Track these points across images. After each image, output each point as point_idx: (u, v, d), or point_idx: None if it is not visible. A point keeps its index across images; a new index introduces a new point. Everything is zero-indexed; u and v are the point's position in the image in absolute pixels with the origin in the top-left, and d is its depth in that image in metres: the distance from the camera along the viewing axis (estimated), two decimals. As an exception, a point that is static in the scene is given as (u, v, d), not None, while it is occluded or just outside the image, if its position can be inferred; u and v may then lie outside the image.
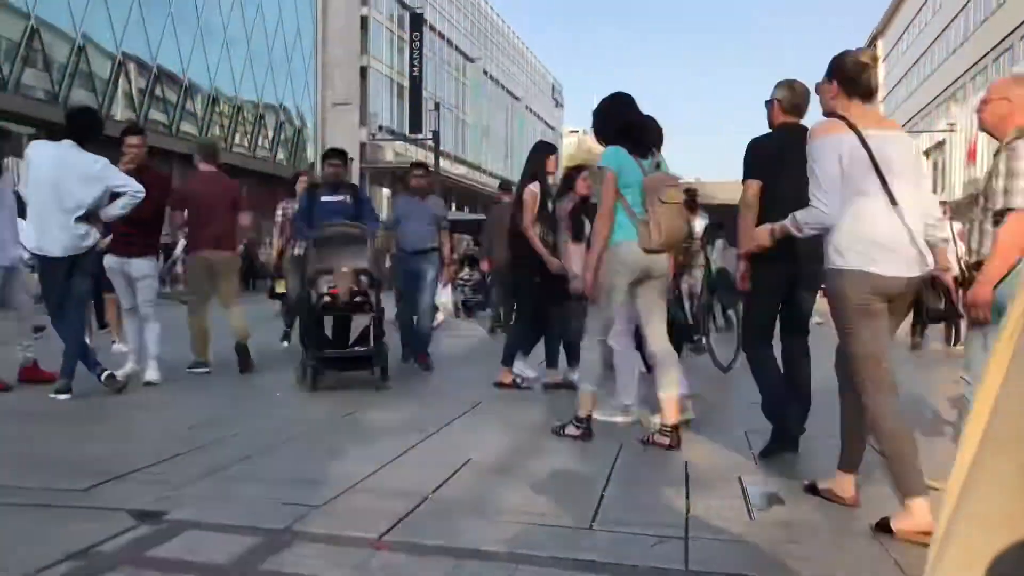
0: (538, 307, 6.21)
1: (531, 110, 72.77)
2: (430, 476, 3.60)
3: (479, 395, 5.85)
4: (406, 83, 47.35)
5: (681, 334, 5.61)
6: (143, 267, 6.28)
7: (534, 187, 6.05)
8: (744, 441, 4.50)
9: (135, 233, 6.19)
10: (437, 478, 3.57)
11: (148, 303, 6.31)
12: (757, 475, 3.82)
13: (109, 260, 6.28)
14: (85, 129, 5.72)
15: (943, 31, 45.53)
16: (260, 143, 33.99)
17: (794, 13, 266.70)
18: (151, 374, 6.17)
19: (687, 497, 3.41)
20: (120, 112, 25.11)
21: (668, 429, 4.27)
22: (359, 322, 6.51)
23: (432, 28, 51.13)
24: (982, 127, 3.52)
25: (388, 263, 8.59)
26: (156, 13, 26.43)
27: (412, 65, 46.97)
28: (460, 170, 54.10)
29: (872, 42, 68.74)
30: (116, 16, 24.45)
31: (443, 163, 38.76)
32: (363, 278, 6.11)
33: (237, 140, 32.26)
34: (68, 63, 22.82)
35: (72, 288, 5.63)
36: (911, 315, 3.48)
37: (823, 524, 3.14)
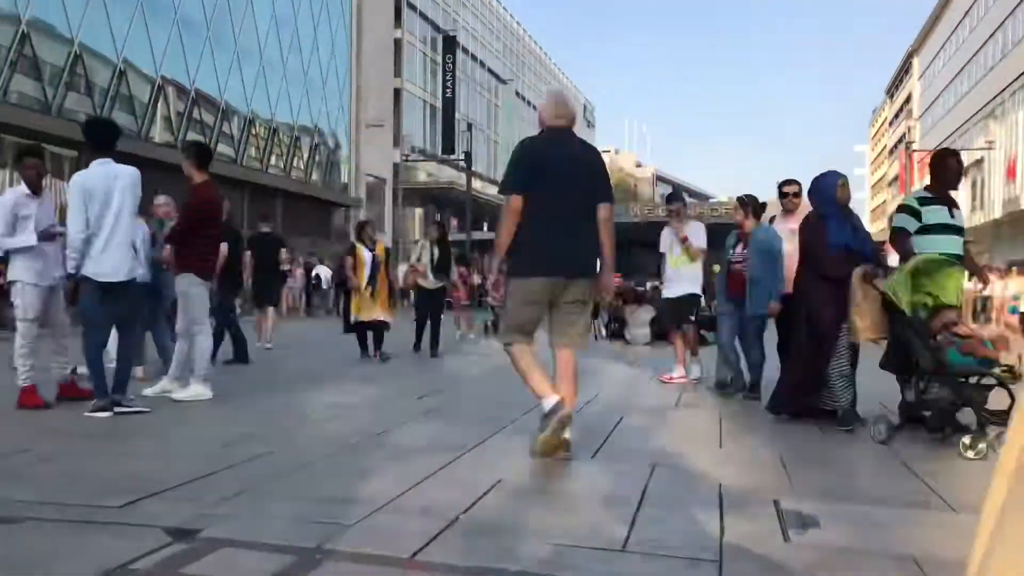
0: None
1: (563, 130, 72.87)
2: (461, 496, 3.58)
3: (510, 414, 5.83)
4: (439, 104, 47.80)
5: None
6: (177, 283, 6.52)
7: None
8: (779, 463, 4.44)
9: (177, 250, 6.51)
10: (469, 498, 3.56)
11: (188, 320, 6.48)
12: (793, 497, 3.76)
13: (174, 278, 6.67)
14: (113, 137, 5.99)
15: (980, 48, 45.02)
16: (295, 164, 34.41)
17: (829, 32, 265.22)
18: (185, 391, 6.29)
19: (721, 520, 3.37)
20: (159, 135, 25.61)
21: None
22: None
23: (465, 50, 51.61)
24: None
25: None
26: (195, 37, 26.97)
27: (445, 87, 47.44)
28: (492, 190, 54.33)
29: (908, 59, 68.24)
30: (156, 41, 24.99)
31: (475, 183, 39.00)
32: None
33: (273, 161, 32.69)
34: (109, 87, 23.33)
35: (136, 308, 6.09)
36: None
37: (861, 548, 3.07)
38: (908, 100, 69.24)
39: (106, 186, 5.66)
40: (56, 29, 21.40)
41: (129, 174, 5.81)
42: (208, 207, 6.58)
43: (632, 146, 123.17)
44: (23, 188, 6.00)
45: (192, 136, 26.89)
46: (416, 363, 10.05)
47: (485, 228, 46.76)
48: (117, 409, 5.55)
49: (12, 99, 20.07)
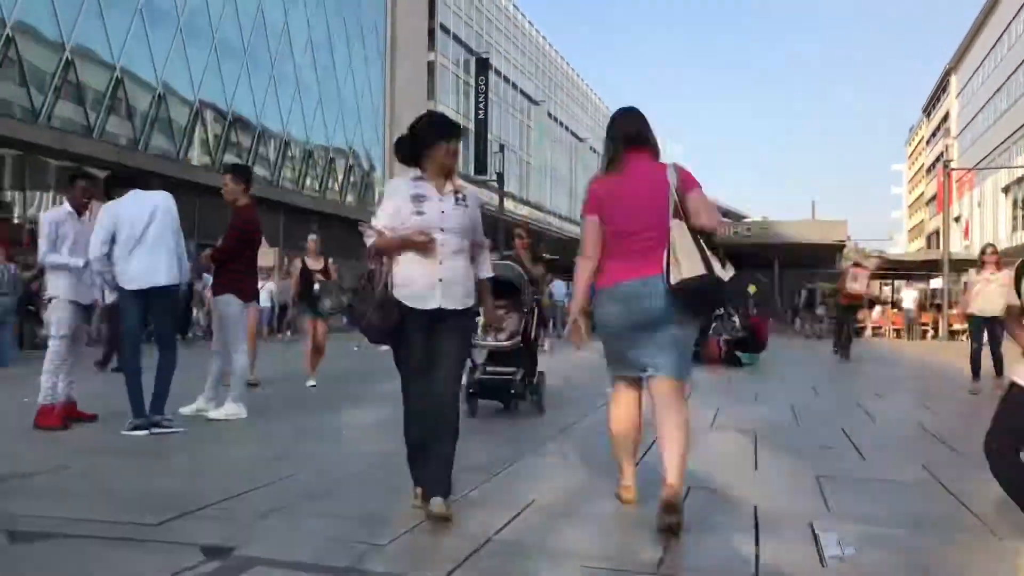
0: None
1: (595, 151, 73.00)
2: (494, 517, 3.57)
3: (543, 435, 5.81)
4: (471, 126, 48.08)
5: None
6: (215, 304, 6.62)
7: None
8: (815, 485, 4.37)
9: (217, 271, 6.60)
10: (501, 519, 3.55)
11: (224, 340, 6.55)
12: (829, 521, 3.70)
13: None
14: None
15: (1020, 65, 44.41)
16: (330, 185, 34.78)
17: (868, 52, 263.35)
18: (220, 411, 6.35)
19: (756, 543, 3.32)
20: (197, 157, 26.04)
21: None
22: None
23: (497, 72, 51.94)
24: None
25: None
26: (232, 62, 27.47)
27: (477, 108, 47.77)
28: (524, 211, 54.44)
29: (946, 77, 67.49)
30: (195, 65, 25.47)
31: (508, 204, 39.18)
32: None
33: (308, 183, 33.08)
34: (149, 111, 23.80)
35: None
36: None
37: (898, 573, 3.02)
38: (946, 118, 68.43)
39: (139, 206, 5.78)
40: (98, 55, 21.90)
41: (163, 200, 5.93)
42: (251, 228, 6.69)
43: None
44: (67, 207, 6.14)
45: (229, 158, 27.34)
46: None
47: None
48: (154, 429, 5.61)
49: (56, 124, 20.54)
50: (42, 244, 6.01)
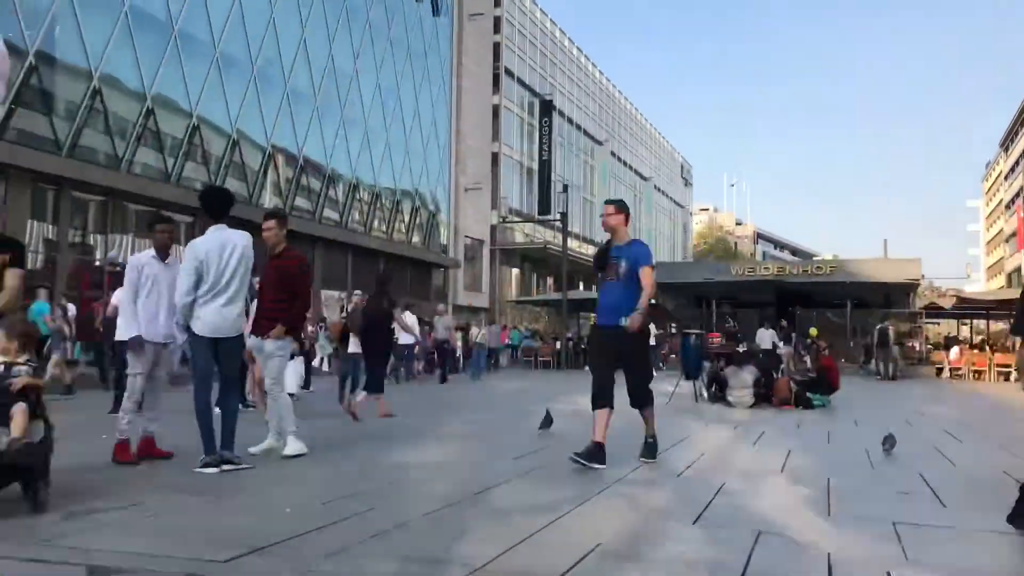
0: None
1: (659, 189, 72.83)
2: (559, 560, 3.53)
3: (609, 476, 5.74)
4: (535, 166, 48.51)
5: None
6: (265, 345, 6.63)
7: None
8: (893, 533, 4.22)
9: (264, 313, 6.67)
10: (566, 562, 3.50)
11: (271, 380, 6.63)
12: (907, 570, 3.55)
13: (250, 340, 6.79)
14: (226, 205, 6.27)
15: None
16: (397, 227, 35.33)
17: (938, 85, 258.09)
18: (288, 447, 6.43)
19: (831, 592, 3.21)
20: (268, 199, 26.77)
21: None
22: None
23: (561, 113, 52.39)
24: None
25: None
26: (303, 108, 28.29)
27: (541, 149, 48.20)
28: (588, 250, 54.39)
29: None
30: (267, 112, 26.32)
31: (571, 243, 39.17)
32: None
33: (376, 225, 33.67)
34: (224, 156, 24.62)
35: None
36: None
37: (986, 628, 2.88)
38: (1025, 152, 66.53)
39: (220, 251, 5.95)
40: (177, 103, 22.79)
41: (243, 240, 6.10)
42: (305, 270, 6.86)
43: (731, 204, 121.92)
44: (151, 252, 6.37)
45: (299, 201, 28.08)
46: (511, 422, 10.02)
47: (581, 287, 46.79)
48: (225, 467, 5.72)
49: (136, 170, 21.38)
50: (127, 289, 6.25)
